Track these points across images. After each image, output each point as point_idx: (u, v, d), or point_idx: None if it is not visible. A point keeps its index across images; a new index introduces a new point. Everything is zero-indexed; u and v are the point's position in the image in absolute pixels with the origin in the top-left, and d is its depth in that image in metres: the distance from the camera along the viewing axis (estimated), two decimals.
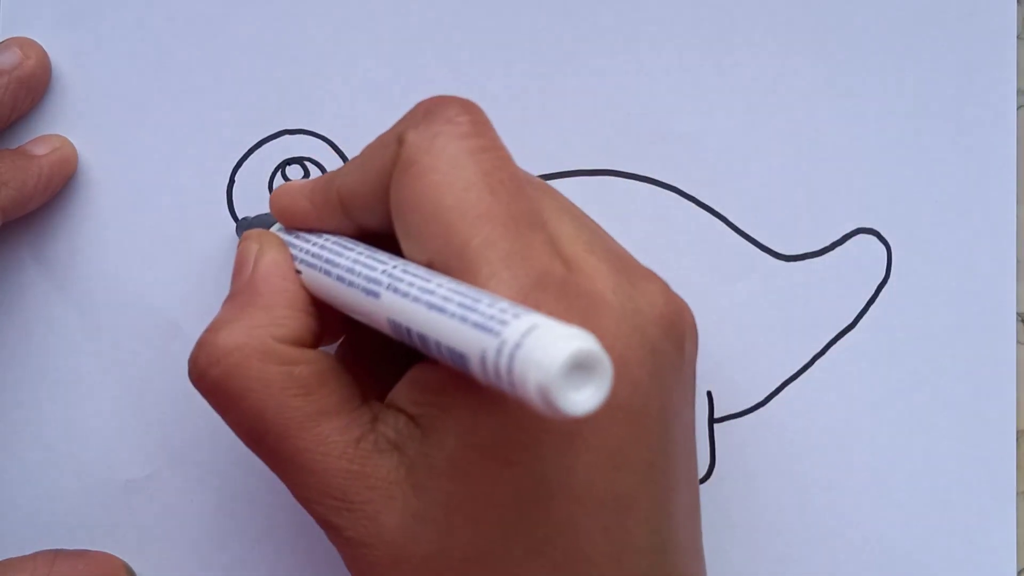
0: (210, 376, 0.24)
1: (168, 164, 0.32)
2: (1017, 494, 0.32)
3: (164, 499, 0.32)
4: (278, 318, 0.25)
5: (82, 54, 0.32)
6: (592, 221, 0.26)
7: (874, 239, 0.32)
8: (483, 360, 0.19)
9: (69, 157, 0.32)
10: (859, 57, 0.32)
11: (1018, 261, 0.32)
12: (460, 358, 0.20)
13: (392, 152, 0.24)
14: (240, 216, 0.32)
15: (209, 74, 0.32)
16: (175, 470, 0.32)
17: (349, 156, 0.32)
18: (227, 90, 0.32)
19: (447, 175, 0.23)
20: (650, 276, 0.25)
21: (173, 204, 0.32)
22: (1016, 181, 0.32)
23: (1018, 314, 0.32)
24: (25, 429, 0.33)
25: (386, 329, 0.23)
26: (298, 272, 0.26)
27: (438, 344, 0.20)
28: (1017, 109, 0.32)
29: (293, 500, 0.32)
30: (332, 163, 0.32)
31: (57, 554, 0.32)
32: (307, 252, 0.26)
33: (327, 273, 0.25)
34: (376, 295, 0.23)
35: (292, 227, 0.27)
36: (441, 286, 0.21)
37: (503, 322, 0.19)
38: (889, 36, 0.32)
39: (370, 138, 0.32)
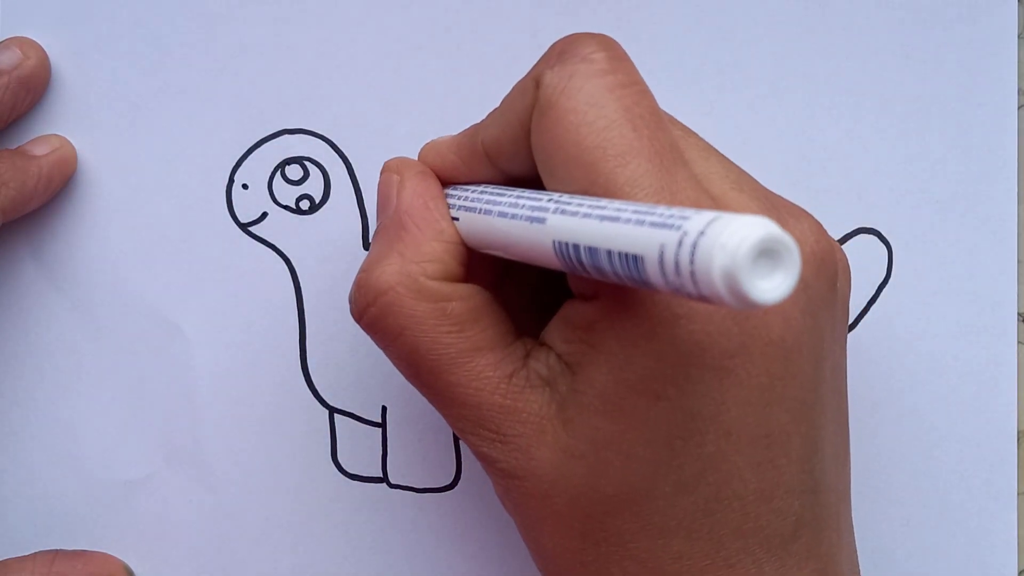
0: (368, 315, 0.25)
1: (168, 164, 0.32)
2: (1017, 494, 0.32)
3: (164, 499, 0.32)
4: (428, 253, 0.25)
5: (82, 54, 0.32)
6: (736, 164, 0.25)
7: (875, 239, 0.32)
8: (661, 256, 0.18)
9: (69, 157, 0.32)
10: (859, 57, 0.32)
11: (1018, 261, 0.32)
12: (634, 262, 0.19)
13: (530, 97, 0.24)
14: (239, 216, 0.32)
15: (209, 74, 0.32)
16: (175, 470, 0.32)
17: (349, 156, 0.32)
18: (227, 90, 0.32)
19: (586, 115, 0.23)
20: (801, 214, 0.25)
21: (173, 204, 0.32)
22: (1016, 181, 0.32)
23: (1018, 314, 0.32)
24: (25, 429, 0.33)
25: (549, 257, 0.22)
26: (455, 219, 0.26)
27: (609, 253, 0.20)
28: (1017, 109, 0.32)
29: (292, 500, 0.33)
30: (332, 163, 0.32)
31: (56, 554, 0.32)
32: (462, 199, 0.26)
33: (486, 213, 0.24)
34: (542, 221, 0.22)
35: (441, 181, 0.27)
36: (611, 203, 0.21)
37: (684, 217, 0.18)
38: (889, 36, 0.32)
39: (370, 138, 0.32)
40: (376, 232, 0.27)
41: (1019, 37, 0.32)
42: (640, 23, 0.32)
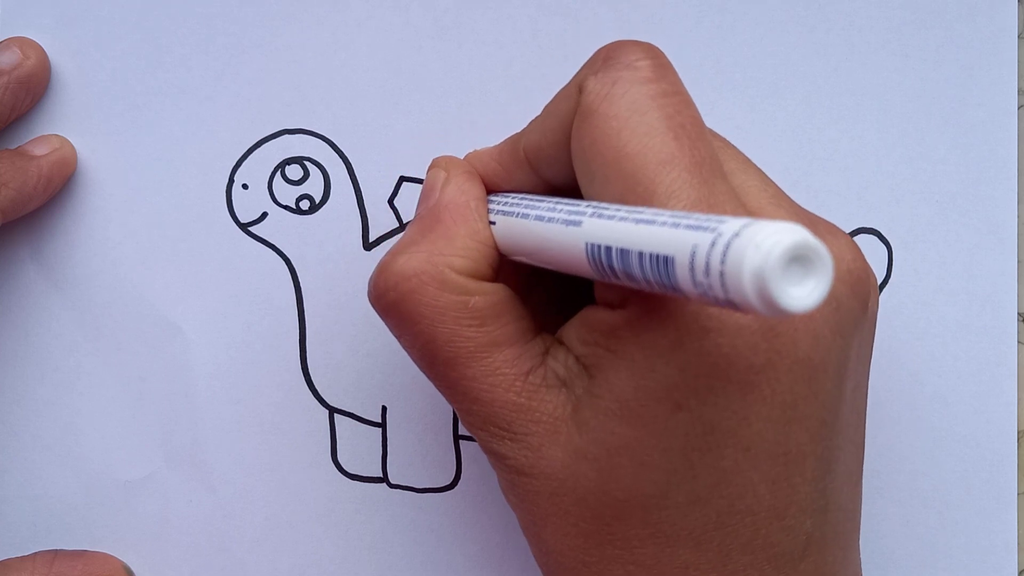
0: (387, 299, 0.25)
1: (168, 164, 0.32)
2: (1017, 494, 0.32)
3: (164, 499, 0.32)
4: (459, 249, 0.25)
5: (82, 54, 0.32)
6: (773, 181, 0.25)
7: (875, 239, 0.32)
8: (693, 257, 0.18)
9: (69, 157, 0.32)
10: (859, 57, 0.32)
11: (1018, 261, 0.32)
12: (664, 264, 0.19)
13: (573, 102, 0.24)
14: (239, 216, 0.32)
15: (209, 74, 0.32)
16: (175, 470, 0.32)
17: (349, 156, 0.32)
18: (227, 90, 0.32)
19: (628, 121, 0.23)
20: (838, 232, 0.25)
21: (173, 204, 0.32)
22: (1016, 181, 0.32)
23: (1018, 314, 0.32)
24: (25, 429, 0.33)
25: (580, 261, 0.22)
26: (492, 223, 0.26)
27: (640, 256, 0.20)
28: (1017, 109, 0.32)
29: (292, 500, 0.33)
30: (332, 163, 0.32)
31: (56, 554, 0.32)
32: (502, 204, 0.26)
33: (523, 217, 0.24)
34: (578, 224, 0.22)
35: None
36: (649, 209, 0.20)
37: (720, 221, 0.18)
38: (889, 36, 0.32)
39: (370, 138, 0.32)
40: (411, 222, 0.26)
41: (1019, 37, 0.32)
42: (640, 23, 0.32)
